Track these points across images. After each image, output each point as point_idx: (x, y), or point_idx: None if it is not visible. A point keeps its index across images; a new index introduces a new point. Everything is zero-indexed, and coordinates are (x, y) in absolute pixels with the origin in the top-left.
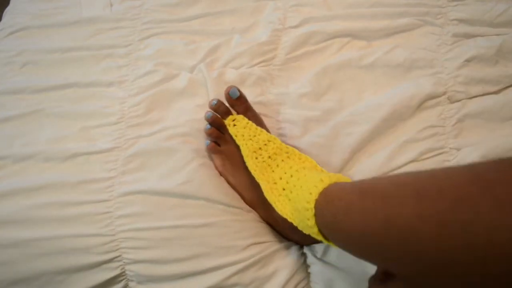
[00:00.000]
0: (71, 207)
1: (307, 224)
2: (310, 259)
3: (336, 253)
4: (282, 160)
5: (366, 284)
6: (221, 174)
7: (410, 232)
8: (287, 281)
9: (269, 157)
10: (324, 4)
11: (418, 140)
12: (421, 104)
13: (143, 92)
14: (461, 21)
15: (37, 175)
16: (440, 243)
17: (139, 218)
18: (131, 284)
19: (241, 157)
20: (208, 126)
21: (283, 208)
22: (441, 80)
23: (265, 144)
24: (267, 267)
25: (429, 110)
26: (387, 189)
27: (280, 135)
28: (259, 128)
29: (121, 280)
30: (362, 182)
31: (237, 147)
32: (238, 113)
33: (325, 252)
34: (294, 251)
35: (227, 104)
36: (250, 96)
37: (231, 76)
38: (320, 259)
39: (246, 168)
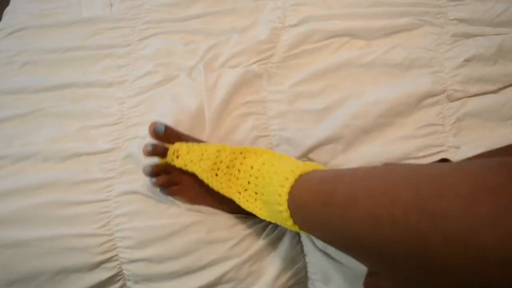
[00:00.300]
0: (70, 207)
1: (281, 216)
2: (307, 247)
3: None
4: (241, 163)
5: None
6: (194, 204)
7: (391, 223)
8: (281, 272)
9: (227, 166)
10: (323, 3)
11: (416, 137)
12: (420, 102)
13: (143, 93)
14: (460, 20)
15: (36, 175)
16: (423, 234)
17: (135, 217)
18: (128, 283)
19: (201, 180)
20: (153, 179)
21: (262, 212)
22: (440, 79)
23: (217, 156)
24: (262, 260)
25: (428, 108)
26: (369, 179)
27: (274, 130)
28: (201, 144)
29: (119, 280)
30: (337, 174)
31: (192, 174)
32: (172, 143)
33: (325, 244)
34: (288, 241)
35: (158, 142)
36: (246, 94)
37: (228, 77)
38: (319, 250)
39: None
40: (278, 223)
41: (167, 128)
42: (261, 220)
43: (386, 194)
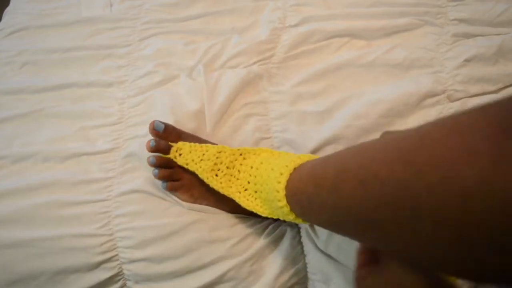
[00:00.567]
0: (70, 207)
1: (282, 212)
2: (307, 247)
3: (336, 247)
4: (241, 164)
5: None
6: (194, 203)
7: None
8: (281, 272)
9: (227, 167)
10: (324, 3)
11: None
12: (420, 102)
13: (143, 93)
14: (461, 20)
15: (36, 175)
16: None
17: (136, 217)
18: (128, 283)
19: (202, 179)
20: (156, 171)
21: (264, 210)
22: (441, 79)
23: (218, 157)
24: (263, 259)
25: (429, 108)
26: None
27: (276, 132)
28: (203, 144)
29: (119, 280)
30: (328, 157)
31: (194, 173)
32: (173, 142)
33: (326, 244)
34: (288, 241)
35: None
36: (247, 95)
37: (229, 78)
38: (319, 250)
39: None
40: (281, 218)
41: (167, 126)
42: (262, 220)
43: (373, 158)
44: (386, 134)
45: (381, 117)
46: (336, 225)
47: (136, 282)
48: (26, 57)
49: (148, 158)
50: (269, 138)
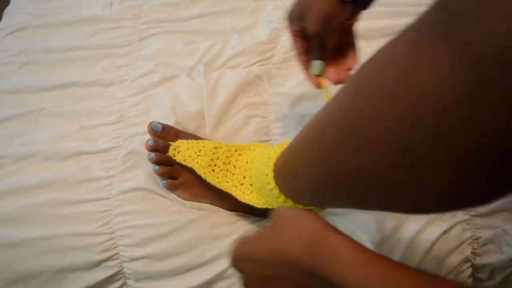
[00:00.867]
0: (70, 206)
1: (273, 195)
2: None
3: None
4: (236, 160)
5: None
6: (194, 201)
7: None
8: None
9: (224, 162)
10: None
11: None
12: None
13: (143, 92)
14: None
15: (36, 174)
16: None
17: (136, 215)
18: (129, 282)
19: (201, 177)
20: (156, 167)
21: (259, 201)
22: None
23: (214, 153)
24: None
25: None
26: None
27: (275, 134)
28: (200, 141)
29: (119, 279)
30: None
31: (193, 170)
32: (172, 141)
33: None
34: None
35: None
36: (247, 96)
37: (229, 79)
38: None
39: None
40: (274, 205)
41: (164, 127)
42: (262, 218)
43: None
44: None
45: None
46: (317, 185)
47: (137, 280)
48: (26, 57)
49: (149, 154)
50: (268, 140)
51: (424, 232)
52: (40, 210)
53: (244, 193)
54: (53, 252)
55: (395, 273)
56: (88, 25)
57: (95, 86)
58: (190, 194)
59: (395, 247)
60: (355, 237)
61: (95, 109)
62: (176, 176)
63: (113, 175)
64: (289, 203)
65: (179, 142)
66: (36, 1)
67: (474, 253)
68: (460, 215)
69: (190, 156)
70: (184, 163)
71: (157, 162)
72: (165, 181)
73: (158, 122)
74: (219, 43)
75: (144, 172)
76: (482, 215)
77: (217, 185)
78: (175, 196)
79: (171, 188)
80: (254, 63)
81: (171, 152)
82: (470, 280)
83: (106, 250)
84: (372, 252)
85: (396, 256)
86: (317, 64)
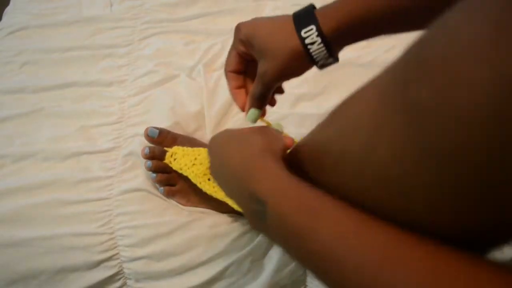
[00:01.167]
0: (70, 206)
1: None
2: None
3: None
4: None
5: None
6: (192, 206)
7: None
8: (281, 267)
9: None
10: (323, 3)
11: None
12: None
13: (143, 92)
14: None
15: (36, 174)
16: None
17: (136, 216)
18: (129, 282)
19: None
20: (153, 175)
21: None
22: None
23: (210, 161)
24: (263, 254)
25: None
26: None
27: None
28: (195, 148)
29: (119, 279)
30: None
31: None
32: (168, 147)
33: None
34: None
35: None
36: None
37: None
38: None
39: None
40: None
41: (161, 132)
42: None
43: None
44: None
45: None
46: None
47: (137, 280)
48: (26, 57)
49: (145, 162)
50: None
51: None
52: (40, 210)
53: None
54: (53, 252)
55: (311, 200)
56: (88, 25)
57: (95, 86)
58: (187, 200)
59: None
60: None
61: (95, 109)
62: (174, 183)
63: (113, 175)
64: None
65: (175, 149)
66: (36, 1)
67: None
68: None
69: (186, 165)
70: (180, 171)
71: (153, 170)
72: (163, 188)
73: (154, 128)
74: (219, 43)
75: (144, 173)
76: None
77: (213, 195)
78: (174, 202)
79: (169, 195)
80: None
81: (167, 160)
82: None
83: (106, 250)
84: (298, 180)
85: None
86: (254, 114)
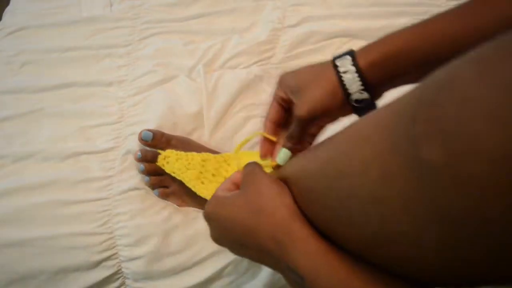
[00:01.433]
0: (70, 206)
1: None
2: None
3: None
4: (226, 171)
5: None
6: (187, 206)
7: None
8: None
9: (213, 174)
10: (323, 3)
11: None
12: None
13: (142, 92)
14: None
15: (36, 174)
16: None
17: (135, 215)
18: (127, 281)
19: None
20: (146, 178)
21: None
22: None
23: (203, 166)
24: None
25: None
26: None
27: None
28: (189, 153)
29: (118, 278)
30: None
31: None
32: (162, 149)
33: None
34: None
35: (148, 148)
36: (246, 96)
37: (228, 79)
38: None
39: None
40: None
41: (155, 134)
42: None
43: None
44: None
45: None
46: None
47: (135, 280)
48: (26, 57)
49: (139, 166)
50: None
51: None
52: (40, 210)
53: None
54: (52, 252)
55: (344, 267)
56: (88, 25)
57: (94, 86)
58: (182, 201)
59: None
60: None
61: (95, 109)
62: (167, 185)
63: (113, 175)
64: None
65: (168, 152)
66: (36, 1)
67: None
68: None
69: (179, 169)
70: (173, 175)
71: (146, 173)
72: (157, 190)
73: (148, 130)
74: (219, 43)
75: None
76: None
77: (208, 198)
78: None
79: (163, 197)
80: (253, 63)
81: (160, 162)
82: None
83: (105, 250)
84: (327, 243)
85: None
86: (285, 154)
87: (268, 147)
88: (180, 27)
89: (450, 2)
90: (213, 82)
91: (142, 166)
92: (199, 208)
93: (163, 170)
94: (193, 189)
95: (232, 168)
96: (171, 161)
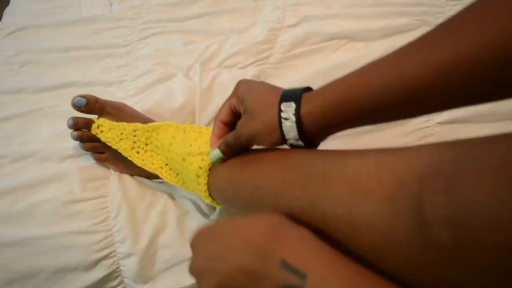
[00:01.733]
0: (69, 205)
1: (204, 197)
2: None
3: None
4: (157, 140)
5: None
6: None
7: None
8: None
9: (146, 144)
10: (323, 3)
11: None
12: None
13: (142, 92)
14: None
15: (35, 174)
16: None
17: (132, 210)
18: (126, 280)
19: None
20: (81, 144)
21: (186, 187)
22: None
23: (135, 135)
24: None
25: None
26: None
27: None
28: (120, 124)
29: (116, 277)
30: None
31: None
32: (98, 116)
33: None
34: None
35: (82, 115)
36: None
37: (225, 79)
38: None
39: None
40: (197, 193)
41: (89, 100)
42: None
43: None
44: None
45: None
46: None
47: (134, 281)
48: (25, 57)
49: (71, 133)
50: None
51: None
52: (39, 209)
53: (170, 174)
54: (51, 251)
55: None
56: (88, 25)
57: (94, 86)
58: (116, 167)
59: None
60: None
61: None
62: (102, 151)
63: (113, 173)
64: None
65: (101, 121)
66: (36, 1)
67: None
68: None
69: (113, 139)
70: (108, 144)
71: (79, 140)
72: (92, 154)
73: (81, 96)
74: (217, 42)
75: None
76: None
77: (144, 167)
78: (169, 190)
79: (98, 161)
80: (250, 63)
81: (94, 131)
82: None
83: (103, 248)
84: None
85: None
86: (217, 156)
87: (216, 140)
88: (180, 27)
89: (450, 2)
90: (209, 81)
91: (73, 134)
92: (138, 174)
93: (97, 137)
94: (129, 158)
95: (160, 138)
96: (105, 130)
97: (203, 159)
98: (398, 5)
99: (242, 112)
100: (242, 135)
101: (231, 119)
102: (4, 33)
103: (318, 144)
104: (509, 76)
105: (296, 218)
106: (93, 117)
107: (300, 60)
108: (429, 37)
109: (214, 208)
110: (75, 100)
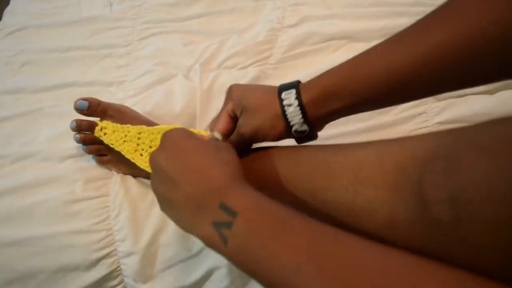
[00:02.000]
0: (69, 204)
1: None
2: None
3: None
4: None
5: None
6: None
7: None
8: None
9: (150, 146)
10: (323, 3)
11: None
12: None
13: (142, 93)
14: None
15: (35, 174)
16: None
17: (133, 209)
18: (126, 279)
19: None
20: (83, 146)
21: None
22: None
23: (139, 138)
24: None
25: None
26: None
27: None
28: (125, 126)
29: (117, 276)
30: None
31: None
32: (100, 118)
33: None
34: None
35: (85, 117)
36: None
37: (225, 80)
38: None
39: None
40: None
41: (91, 103)
42: None
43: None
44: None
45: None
46: None
47: (134, 280)
48: (25, 57)
49: (74, 135)
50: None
51: None
52: (39, 209)
53: None
54: (52, 251)
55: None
56: (88, 25)
57: (94, 86)
58: (118, 169)
59: None
60: None
61: None
62: (104, 153)
63: (112, 174)
64: None
65: (104, 123)
66: (36, 1)
67: None
68: None
69: (117, 141)
70: (111, 146)
71: (82, 142)
72: (94, 156)
73: (83, 99)
74: (217, 43)
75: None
76: None
77: (147, 169)
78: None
79: (100, 164)
80: (250, 64)
81: (97, 133)
82: None
83: (104, 247)
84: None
85: None
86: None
87: None
88: (180, 27)
89: None
90: (209, 82)
91: (77, 136)
92: (134, 176)
93: (99, 139)
94: (132, 161)
95: None
96: (108, 133)
97: None
98: (398, 5)
99: (239, 114)
100: (245, 132)
101: (232, 126)
102: (4, 33)
103: (320, 129)
104: (505, 60)
105: (297, 207)
106: (95, 119)
107: (300, 60)
108: (424, 22)
109: None
110: (77, 103)
